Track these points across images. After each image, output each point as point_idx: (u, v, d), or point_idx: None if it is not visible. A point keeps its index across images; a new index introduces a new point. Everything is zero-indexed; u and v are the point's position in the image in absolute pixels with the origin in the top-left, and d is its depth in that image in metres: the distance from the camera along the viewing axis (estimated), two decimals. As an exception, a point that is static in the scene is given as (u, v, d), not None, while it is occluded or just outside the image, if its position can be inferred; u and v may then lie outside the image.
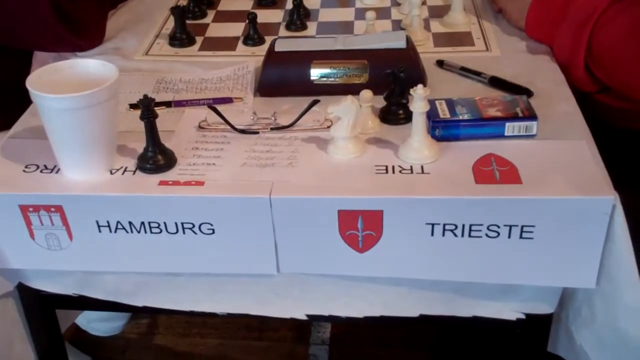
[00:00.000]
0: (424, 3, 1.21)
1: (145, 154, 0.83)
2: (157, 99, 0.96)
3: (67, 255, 0.84)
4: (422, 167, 0.80)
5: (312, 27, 1.16)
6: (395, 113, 0.88)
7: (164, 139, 0.84)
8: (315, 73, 0.94)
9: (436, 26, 1.13)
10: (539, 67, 0.98)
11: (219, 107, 0.92)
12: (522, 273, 0.79)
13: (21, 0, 1.02)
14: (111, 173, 0.82)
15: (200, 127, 0.90)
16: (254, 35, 1.11)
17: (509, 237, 0.76)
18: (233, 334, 1.59)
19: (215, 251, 0.82)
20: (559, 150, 0.81)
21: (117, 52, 1.11)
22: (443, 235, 0.77)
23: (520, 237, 0.76)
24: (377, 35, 1.02)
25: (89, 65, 0.83)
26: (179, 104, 0.95)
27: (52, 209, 0.81)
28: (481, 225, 0.76)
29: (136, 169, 0.83)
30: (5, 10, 1.04)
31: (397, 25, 1.14)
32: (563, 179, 0.76)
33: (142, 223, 0.81)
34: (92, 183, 0.81)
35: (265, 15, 1.20)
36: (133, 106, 0.94)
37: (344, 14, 1.20)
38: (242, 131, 0.89)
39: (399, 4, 1.21)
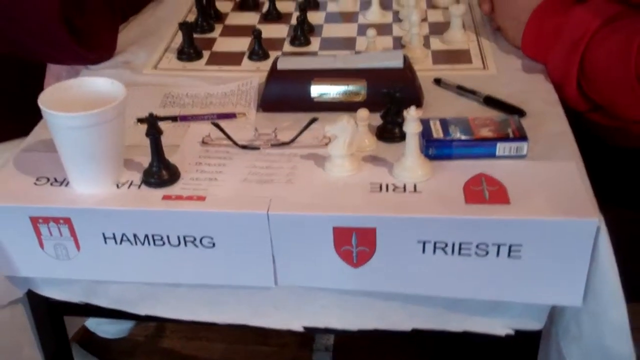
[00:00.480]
0: (425, 20, 1.24)
1: (150, 169, 0.86)
2: (164, 113, 1.00)
3: (75, 264, 0.88)
4: (414, 185, 0.83)
5: (315, 43, 1.19)
6: (391, 131, 0.91)
7: (169, 153, 0.88)
8: (316, 91, 0.97)
9: (436, 43, 1.16)
10: (534, 87, 1.01)
11: (223, 122, 0.95)
12: (510, 290, 0.82)
13: (33, 15, 1.06)
14: (118, 187, 0.86)
15: (203, 142, 0.94)
16: (259, 50, 1.15)
17: (498, 255, 0.79)
18: (239, 339, 1.62)
19: (215, 264, 0.85)
20: (548, 171, 0.83)
21: (127, 65, 1.15)
22: (434, 252, 0.80)
23: (509, 255, 0.79)
24: (375, 55, 1.05)
25: (99, 83, 0.87)
26: (184, 118, 0.99)
27: (61, 221, 0.84)
28: (470, 243, 0.78)
29: (141, 183, 0.86)
30: (17, 24, 1.07)
31: (398, 42, 1.16)
32: (550, 200, 0.78)
33: (146, 235, 0.84)
34: (100, 196, 0.85)
35: (270, 30, 1.23)
36: (141, 120, 0.97)
37: (347, 30, 1.23)
38: (244, 147, 0.92)
39: (400, 20, 1.24)
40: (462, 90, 1.00)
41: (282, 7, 1.31)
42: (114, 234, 0.84)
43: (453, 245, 0.79)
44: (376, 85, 0.95)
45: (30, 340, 0.98)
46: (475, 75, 1.05)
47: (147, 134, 0.84)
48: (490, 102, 0.96)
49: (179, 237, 0.84)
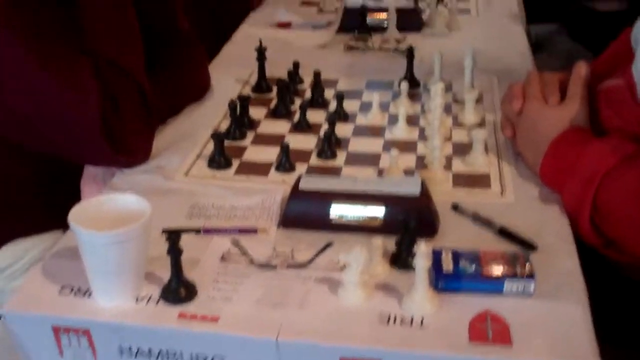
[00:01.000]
0: (449, 139, 1.27)
1: (169, 286, 0.90)
2: (190, 224, 1.05)
3: (91, 373, 0.91)
4: (422, 319, 0.85)
5: (341, 156, 1.24)
6: (404, 259, 0.93)
7: (189, 267, 0.92)
8: (335, 213, 1.01)
9: (457, 164, 1.19)
10: (548, 219, 1.03)
11: (244, 237, 1.00)
12: None
13: (74, 125, 1.13)
14: (137, 301, 0.90)
15: (223, 259, 0.97)
16: (286, 163, 1.19)
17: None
18: None
19: (225, 382, 0.88)
20: (553, 313, 0.85)
21: (160, 170, 1.20)
22: (435, 384, 0.82)
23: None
24: (394, 180, 1.09)
25: (127, 200, 0.92)
26: (208, 231, 1.03)
27: (81, 332, 0.88)
28: (470, 379, 0.80)
29: (159, 298, 0.90)
30: (59, 131, 1.14)
31: (421, 162, 1.19)
32: (551, 344, 0.80)
33: (160, 351, 0.87)
34: (119, 310, 0.89)
35: (299, 141, 1.28)
36: (166, 232, 1.02)
37: (373, 145, 1.27)
38: (261, 265, 0.95)
39: (426, 139, 1.27)
40: (477, 219, 1.02)
41: (312, 117, 1.35)
42: (130, 348, 0.88)
43: (454, 379, 0.81)
44: (393, 211, 0.98)
45: None
46: (492, 203, 1.07)
47: (168, 252, 0.88)
48: (504, 234, 0.99)
49: (191, 354, 0.87)
